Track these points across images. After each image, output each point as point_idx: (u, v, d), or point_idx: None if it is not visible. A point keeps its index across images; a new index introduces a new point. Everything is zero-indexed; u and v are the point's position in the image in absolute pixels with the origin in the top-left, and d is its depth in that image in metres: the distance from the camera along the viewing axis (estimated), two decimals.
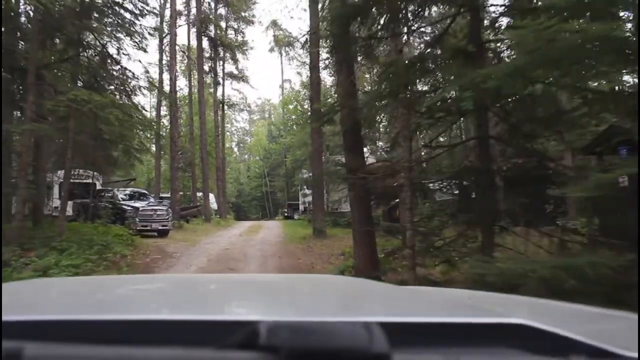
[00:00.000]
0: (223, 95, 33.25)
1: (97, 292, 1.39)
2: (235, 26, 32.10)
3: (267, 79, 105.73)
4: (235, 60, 31.42)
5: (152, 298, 1.35)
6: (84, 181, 18.97)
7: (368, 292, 1.53)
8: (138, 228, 16.69)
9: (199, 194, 35.35)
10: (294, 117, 41.95)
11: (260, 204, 56.47)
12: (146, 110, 25.11)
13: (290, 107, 43.94)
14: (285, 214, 37.08)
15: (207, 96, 37.63)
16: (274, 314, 1.06)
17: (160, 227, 17.48)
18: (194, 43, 29.53)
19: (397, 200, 17.49)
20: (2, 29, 9.74)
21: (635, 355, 0.70)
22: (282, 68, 49.01)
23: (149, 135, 14.84)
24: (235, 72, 34.13)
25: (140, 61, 19.72)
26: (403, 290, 1.70)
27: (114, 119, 8.60)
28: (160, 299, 1.33)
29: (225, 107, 42.72)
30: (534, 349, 0.74)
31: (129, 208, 17.34)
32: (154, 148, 29.65)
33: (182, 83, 38.97)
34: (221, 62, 31.71)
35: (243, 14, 31.42)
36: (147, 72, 19.21)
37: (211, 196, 35.05)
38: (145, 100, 44.02)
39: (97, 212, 16.98)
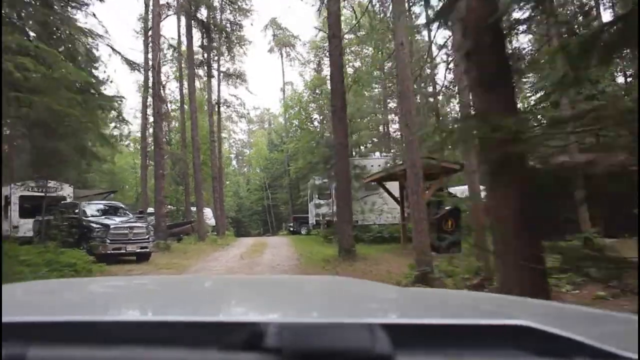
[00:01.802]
0: (219, 95, 29.38)
1: (101, 293, 1.41)
2: (232, 18, 28.36)
3: (266, 87, 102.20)
4: (230, 50, 27.54)
5: (156, 299, 1.29)
6: (46, 194, 15.11)
7: (371, 293, 1.53)
8: (108, 251, 12.96)
9: (194, 209, 31.55)
10: (296, 121, 38.13)
11: (262, 219, 52.66)
12: (104, 82, 20.81)
13: (292, 112, 40.23)
14: (291, 229, 33.00)
15: (200, 99, 34.07)
16: (277, 315, 1.07)
17: (138, 250, 13.62)
18: (183, 38, 25.89)
19: (448, 207, 13.57)
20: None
21: (636, 356, 0.70)
22: (283, 69, 45.09)
23: (108, 119, 11.00)
24: (232, 69, 30.28)
25: (94, 15, 13.35)
26: (406, 292, 1.67)
27: (11, 70, 4.72)
28: (163, 299, 1.28)
29: (222, 115, 39.16)
30: (537, 351, 0.73)
31: (97, 226, 13.46)
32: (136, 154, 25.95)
33: (172, 85, 35.56)
34: (215, 55, 27.89)
35: (240, 3, 27.69)
36: (106, 31, 14.04)
37: (208, 210, 31.26)
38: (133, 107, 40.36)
39: (51, 230, 13.15)
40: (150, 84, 20.48)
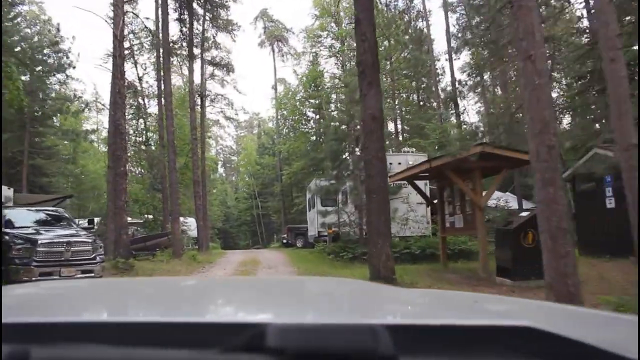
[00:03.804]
0: (202, 84, 25.42)
1: (103, 294, 1.38)
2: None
3: (256, 91, 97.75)
4: (215, 23, 23.61)
5: (157, 300, 1.27)
6: None
7: (374, 294, 1.52)
8: (34, 278, 9.11)
9: (181, 219, 27.54)
10: (290, 119, 34.26)
11: (251, 229, 48.66)
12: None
13: (284, 112, 36.38)
14: (284, 241, 28.91)
15: (183, 96, 30.14)
16: (280, 316, 1.03)
17: (79, 274, 9.60)
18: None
19: (524, 213, 9.68)
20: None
21: (636, 357, 0.69)
22: (275, 65, 40.51)
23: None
24: (217, 57, 26.38)
25: None
26: (409, 293, 1.65)
27: None
28: (166, 301, 1.25)
29: (208, 117, 35.21)
30: (539, 352, 0.73)
31: (19, 241, 9.42)
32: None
33: (150, 79, 31.49)
34: (198, 35, 23.95)
35: None
36: None
37: (191, 221, 27.35)
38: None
39: None
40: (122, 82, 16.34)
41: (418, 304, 1.32)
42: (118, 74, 13.64)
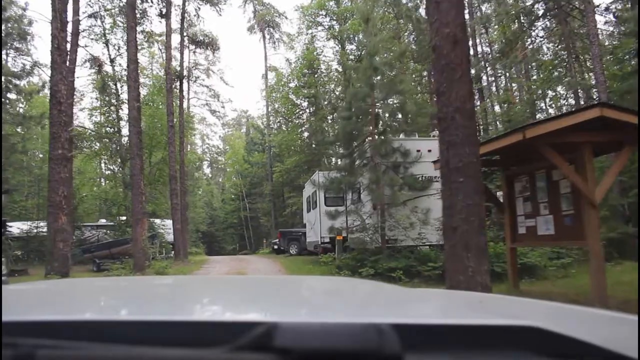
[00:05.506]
0: (182, 65, 21.78)
1: (109, 293, 1.38)
2: None
3: (244, 88, 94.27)
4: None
5: (164, 298, 1.28)
6: None
7: (380, 294, 1.50)
8: None
9: (158, 221, 23.87)
10: (284, 109, 30.65)
11: (238, 233, 45.01)
12: None
13: (277, 105, 32.84)
14: (275, 247, 25.20)
15: (162, 80, 26.49)
16: (287, 315, 1.03)
17: None
18: None
19: None
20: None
21: (637, 357, 0.69)
22: (266, 52, 36.20)
23: None
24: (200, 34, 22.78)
25: None
26: (415, 293, 1.63)
27: None
28: (172, 299, 1.27)
29: (192, 111, 31.62)
30: (546, 353, 0.73)
31: None
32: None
33: (124, 62, 27.63)
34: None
35: None
36: None
37: (169, 223, 23.70)
38: None
39: None
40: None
41: (424, 303, 1.31)
42: (57, 23, 9.96)
